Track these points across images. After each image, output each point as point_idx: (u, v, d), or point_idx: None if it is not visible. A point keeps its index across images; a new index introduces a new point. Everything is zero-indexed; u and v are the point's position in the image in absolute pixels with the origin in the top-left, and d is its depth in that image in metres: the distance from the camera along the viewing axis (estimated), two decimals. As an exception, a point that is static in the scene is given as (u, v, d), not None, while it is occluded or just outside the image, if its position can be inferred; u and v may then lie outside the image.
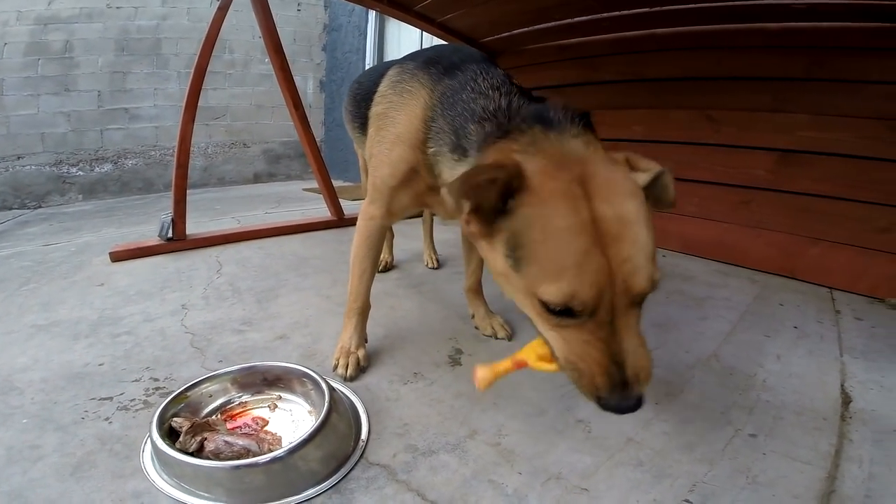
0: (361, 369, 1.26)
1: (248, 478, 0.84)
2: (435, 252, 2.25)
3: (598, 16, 2.35)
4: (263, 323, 1.55)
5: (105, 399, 1.12)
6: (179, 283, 1.91)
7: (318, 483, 0.87)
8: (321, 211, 3.10)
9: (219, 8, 2.25)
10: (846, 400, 1.19)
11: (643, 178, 0.75)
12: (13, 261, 2.22)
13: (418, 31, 3.69)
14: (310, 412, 1.05)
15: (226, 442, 0.90)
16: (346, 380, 1.22)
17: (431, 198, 1.10)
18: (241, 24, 4.53)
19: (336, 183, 3.14)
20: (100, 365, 1.27)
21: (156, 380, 1.21)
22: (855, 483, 0.91)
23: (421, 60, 1.13)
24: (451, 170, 0.96)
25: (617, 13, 2.29)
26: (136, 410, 1.08)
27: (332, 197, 2.96)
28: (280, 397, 1.10)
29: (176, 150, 2.32)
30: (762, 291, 1.99)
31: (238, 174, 5.02)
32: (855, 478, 0.92)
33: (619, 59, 2.62)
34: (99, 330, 1.48)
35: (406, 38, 4.49)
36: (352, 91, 1.65)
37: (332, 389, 1.01)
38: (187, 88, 2.31)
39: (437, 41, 3.08)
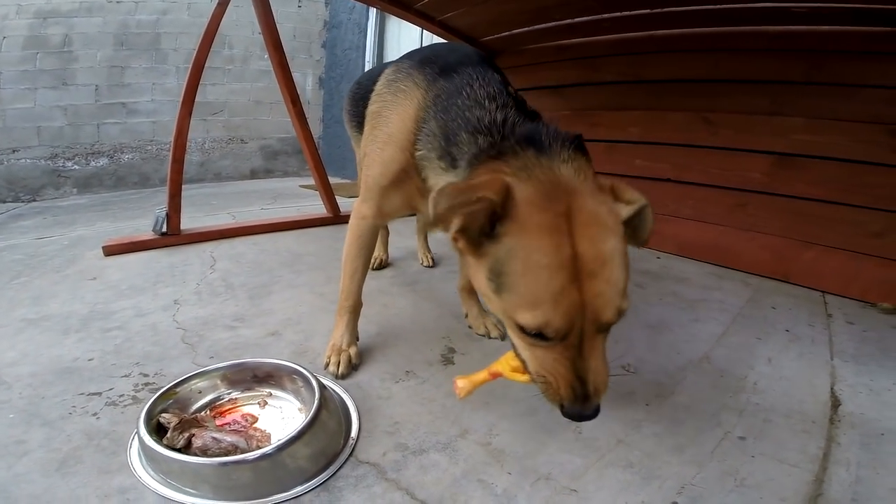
0: (353, 367, 1.26)
1: (236, 475, 0.83)
2: (429, 250, 2.25)
3: (599, 16, 2.36)
4: (256, 319, 1.55)
5: (94, 394, 1.11)
6: (172, 278, 1.90)
7: (307, 480, 0.86)
8: (317, 208, 3.10)
9: (218, 3, 2.24)
10: (835, 403, 1.20)
11: (626, 211, 0.78)
12: (5, 254, 2.20)
13: (419, 29, 3.69)
14: (300, 409, 1.05)
15: (214, 438, 0.89)
16: (338, 377, 1.21)
17: (423, 202, 1.10)
18: (242, 19, 4.51)
19: (334, 180, 3.13)
20: (89, 360, 1.27)
21: (145, 375, 1.20)
22: (842, 486, 0.91)
23: (417, 60, 1.12)
24: (437, 177, 0.97)
25: (617, 14, 2.29)
26: (125, 406, 1.07)
27: (329, 194, 2.96)
28: (270, 394, 1.10)
29: (172, 145, 2.31)
30: (755, 294, 2.00)
31: (235, 170, 5.01)
32: (842, 481, 0.93)
33: (619, 61, 2.63)
34: (90, 324, 1.47)
35: (406, 36, 4.48)
36: (351, 91, 1.65)
37: (322, 387, 1.01)
38: (185, 83, 2.30)
39: (438, 40, 3.08)
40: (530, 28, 2.66)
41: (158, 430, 0.92)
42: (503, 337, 1.48)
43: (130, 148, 4.37)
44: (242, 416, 1.02)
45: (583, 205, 0.73)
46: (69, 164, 4.09)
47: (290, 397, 1.09)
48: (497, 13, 2.48)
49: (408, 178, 1.07)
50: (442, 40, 2.84)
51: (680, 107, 2.45)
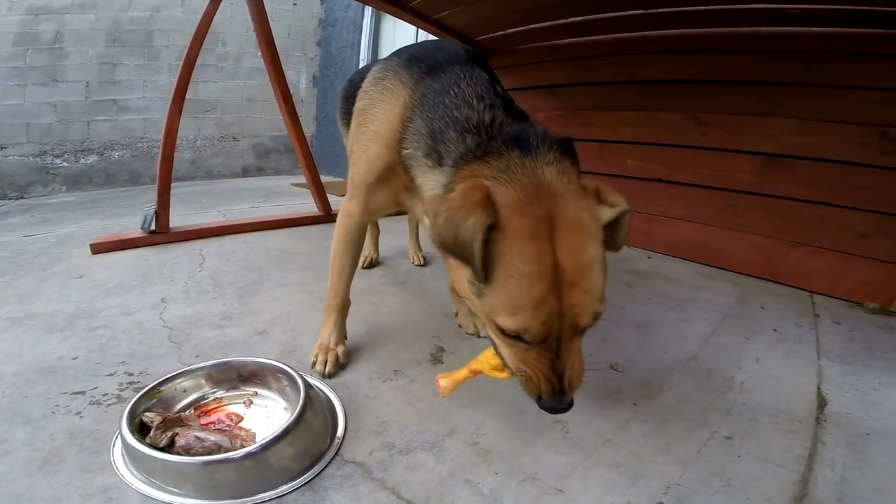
0: (341, 366, 1.25)
1: (219, 474, 0.83)
2: (421, 249, 2.25)
3: (593, 17, 2.36)
4: (243, 318, 1.54)
5: (77, 393, 1.10)
6: (160, 276, 1.88)
7: (292, 480, 0.86)
8: (309, 206, 3.08)
9: (211, 0, 2.22)
10: (821, 403, 1.20)
11: (607, 214, 0.79)
12: (-9, 251, 2.18)
13: (414, 27, 3.68)
14: (285, 409, 1.04)
15: (197, 437, 0.89)
16: (325, 377, 1.21)
17: (410, 199, 1.09)
18: (236, 17, 4.48)
19: (327, 178, 3.12)
20: (74, 359, 1.25)
21: (130, 374, 1.19)
22: (827, 486, 0.92)
23: (404, 58, 1.11)
24: (424, 175, 0.96)
25: (611, 14, 2.30)
26: (109, 405, 1.06)
27: (320, 192, 2.94)
28: (256, 393, 1.09)
29: (162, 142, 2.29)
30: (744, 294, 2.01)
31: (227, 168, 4.98)
32: (828, 481, 0.93)
33: (612, 61, 2.64)
34: (75, 323, 1.45)
35: (401, 35, 4.47)
36: (343, 88, 1.65)
37: (307, 386, 1.00)
38: (175, 80, 2.29)
39: (433, 38, 3.07)
40: (524, 28, 2.67)
41: (142, 430, 0.91)
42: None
43: (121, 145, 4.32)
44: (227, 415, 1.02)
45: (564, 210, 0.74)
46: (58, 161, 4.05)
47: (276, 396, 1.08)
48: (492, 12, 2.48)
49: (394, 175, 1.06)
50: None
51: (672, 107, 2.46)
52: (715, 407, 1.17)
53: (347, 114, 1.44)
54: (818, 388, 1.27)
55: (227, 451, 0.87)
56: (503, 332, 0.77)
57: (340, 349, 1.27)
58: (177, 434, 0.90)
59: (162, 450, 0.87)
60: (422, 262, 2.20)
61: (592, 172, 0.82)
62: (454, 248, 0.75)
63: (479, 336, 1.48)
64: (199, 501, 0.81)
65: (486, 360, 0.92)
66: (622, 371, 1.32)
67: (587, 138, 2.76)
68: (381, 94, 1.08)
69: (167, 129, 2.29)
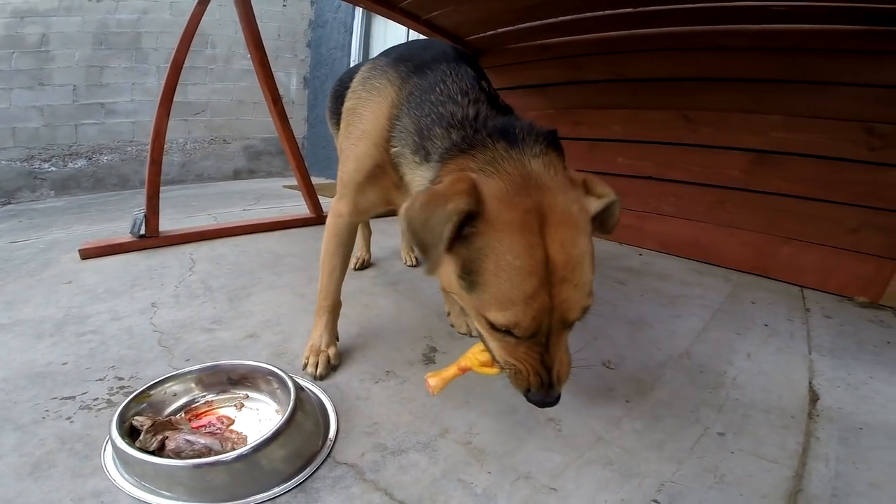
0: (332, 368, 1.25)
1: (210, 476, 0.82)
2: (413, 249, 2.24)
3: (582, 15, 2.37)
4: (234, 322, 1.52)
5: (67, 398, 1.09)
6: (150, 280, 1.86)
7: (283, 482, 0.85)
8: (300, 208, 3.07)
9: (198, 2, 2.20)
10: (814, 398, 1.21)
11: (596, 205, 0.80)
12: (-21, 257, 2.15)
13: (405, 28, 3.68)
14: (277, 411, 1.03)
15: (187, 440, 0.88)
16: (316, 378, 1.20)
17: (400, 197, 1.09)
18: (225, 18, 4.46)
19: (318, 180, 3.11)
20: (63, 364, 1.24)
21: (120, 379, 1.18)
22: (821, 482, 0.92)
23: (392, 57, 1.11)
24: (412, 171, 0.96)
25: (600, 13, 2.30)
26: (99, 410, 1.05)
27: (311, 194, 2.93)
28: (247, 396, 1.08)
29: (150, 146, 2.27)
30: (735, 290, 2.02)
31: (217, 171, 4.95)
32: (822, 476, 0.94)
33: (601, 59, 2.64)
34: (64, 329, 1.44)
35: (392, 36, 4.46)
36: (332, 89, 1.65)
37: (298, 388, 1.00)
38: (163, 83, 2.27)
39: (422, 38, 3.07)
40: (514, 27, 2.67)
41: (132, 434, 0.91)
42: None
43: (109, 149, 4.29)
44: (218, 418, 1.01)
45: (553, 202, 0.74)
46: (46, 165, 4.01)
47: (267, 399, 1.07)
48: (483, 12, 2.48)
49: (383, 173, 1.06)
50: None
51: (661, 105, 2.47)
52: (707, 403, 1.17)
53: (337, 114, 1.44)
54: (810, 383, 1.28)
55: (217, 454, 0.87)
56: (493, 326, 0.77)
57: (332, 351, 1.26)
58: (167, 437, 0.89)
59: (152, 453, 0.86)
60: (414, 263, 2.19)
61: (583, 171, 0.83)
62: (420, 234, 0.74)
63: (471, 336, 1.48)
64: (190, 505, 0.81)
65: (474, 356, 0.92)
66: (614, 368, 1.32)
67: (578, 137, 2.77)
68: (368, 94, 1.08)
69: (155, 132, 2.27)
